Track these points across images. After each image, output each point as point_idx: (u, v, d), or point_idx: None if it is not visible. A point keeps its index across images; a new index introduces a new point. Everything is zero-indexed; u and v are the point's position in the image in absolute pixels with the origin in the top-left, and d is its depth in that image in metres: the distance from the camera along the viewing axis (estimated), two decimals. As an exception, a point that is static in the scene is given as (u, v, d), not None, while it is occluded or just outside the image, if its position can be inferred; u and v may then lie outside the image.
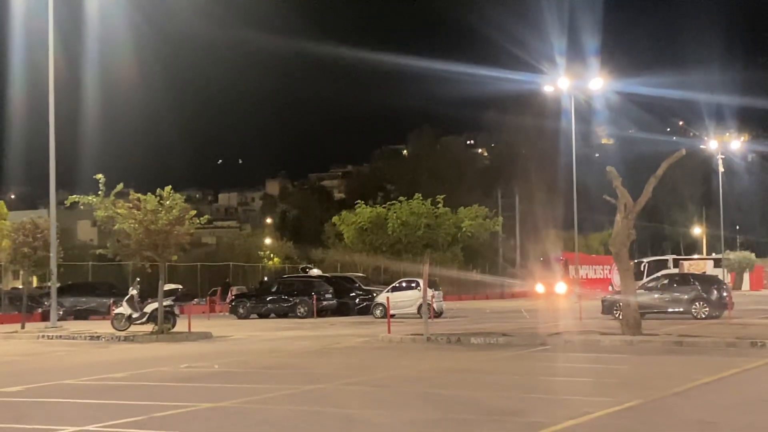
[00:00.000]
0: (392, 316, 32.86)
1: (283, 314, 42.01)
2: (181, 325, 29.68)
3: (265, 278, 58.47)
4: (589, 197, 59.12)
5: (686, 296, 34.01)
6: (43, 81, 33.88)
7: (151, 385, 15.73)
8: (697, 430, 10.97)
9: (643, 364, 18.45)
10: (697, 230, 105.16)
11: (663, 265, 61.30)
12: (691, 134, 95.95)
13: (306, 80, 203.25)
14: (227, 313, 45.11)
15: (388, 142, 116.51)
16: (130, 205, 27.26)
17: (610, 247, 27.20)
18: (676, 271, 56.53)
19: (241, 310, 43.05)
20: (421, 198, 25.92)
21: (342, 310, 42.97)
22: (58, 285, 34.95)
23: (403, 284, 40.08)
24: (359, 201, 27.71)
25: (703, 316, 33.18)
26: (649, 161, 47.02)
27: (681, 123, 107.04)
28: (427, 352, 21.98)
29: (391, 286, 40.60)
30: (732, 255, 79.03)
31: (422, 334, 25.11)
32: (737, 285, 73.88)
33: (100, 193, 27.48)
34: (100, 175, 27.31)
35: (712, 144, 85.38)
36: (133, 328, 29.33)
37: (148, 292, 32.02)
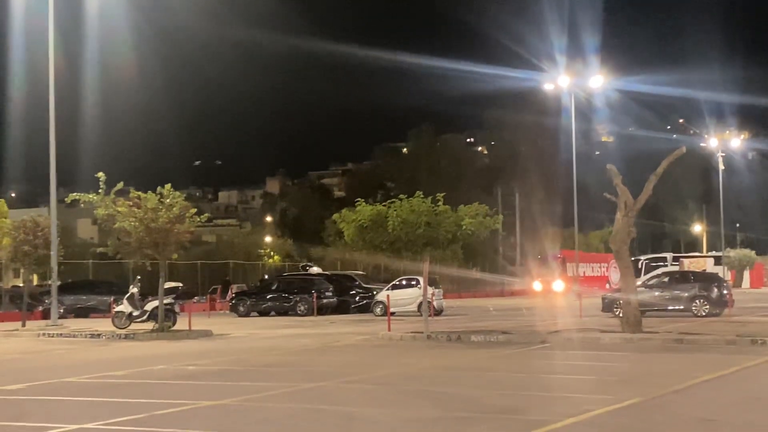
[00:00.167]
0: (392, 313, 32.88)
1: (283, 312, 42.03)
2: (181, 323, 29.74)
3: (265, 276, 58.46)
4: (589, 195, 59.09)
5: (686, 294, 34.00)
6: (43, 80, 33.92)
7: (152, 383, 15.76)
8: (697, 427, 10.98)
9: (643, 362, 18.48)
10: (698, 228, 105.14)
11: (661, 262, 61.23)
12: (692, 132, 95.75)
13: (306, 78, 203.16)
14: (227, 311, 45.11)
15: (388, 140, 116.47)
16: (131, 203, 27.30)
17: (610, 244, 27.20)
18: (674, 268, 56.47)
19: (241, 308, 43.08)
20: (421, 196, 25.90)
21: (342, 308, 43.00)
22: (59, 283, 34.98)
23: (404, 282, 40.04)
24: (359, 199, 27.66)
25: (704, 313, 33.19)
26: (649, 159, 46.88)
27: (681, 121, 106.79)
28: (428, 349, 21.98)
29: (391, 284, 40.51)
30: (732, 253, 79.02)
31: (422, 332, 25.12)
32: (737, 283, 73.75)
33: (100, 191, 27.52)
34: (100, 174, 27.35)
35: (712, 142, 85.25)
36: (133, 326, 29.35)
37: (149, 290, 32.01)
